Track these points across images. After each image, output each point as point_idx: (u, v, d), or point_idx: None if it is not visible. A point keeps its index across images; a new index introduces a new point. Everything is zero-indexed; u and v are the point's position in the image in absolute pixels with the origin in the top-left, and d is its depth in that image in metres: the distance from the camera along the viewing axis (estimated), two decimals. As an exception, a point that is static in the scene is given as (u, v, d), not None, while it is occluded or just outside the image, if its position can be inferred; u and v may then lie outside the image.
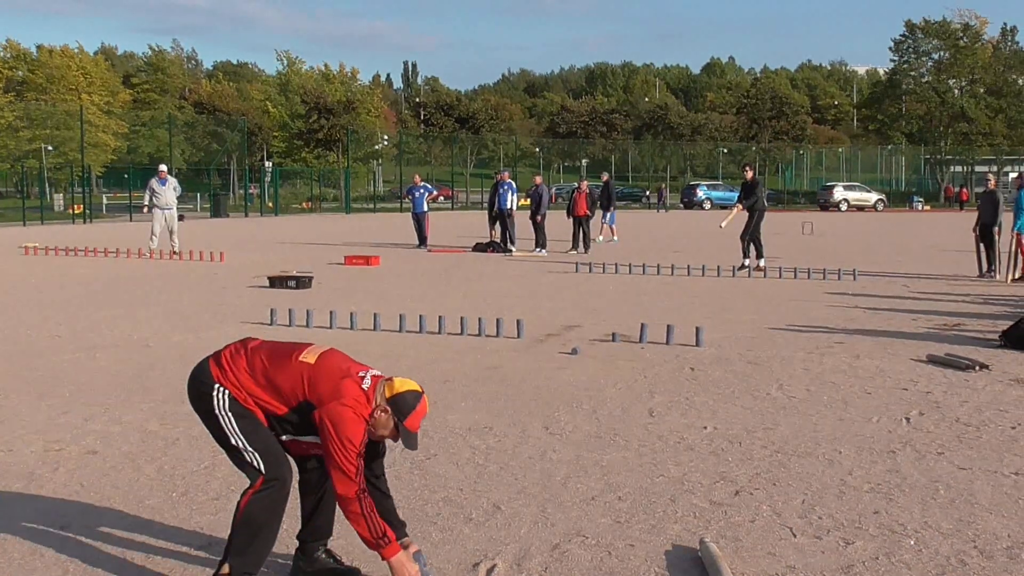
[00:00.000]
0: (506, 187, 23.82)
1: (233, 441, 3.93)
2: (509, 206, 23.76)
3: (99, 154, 64.52)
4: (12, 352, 9.64)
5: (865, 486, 5.41)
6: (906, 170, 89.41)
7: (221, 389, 3.95)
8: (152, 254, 21.65)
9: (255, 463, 3.94)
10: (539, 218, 23.18)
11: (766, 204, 18.62)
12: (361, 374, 3.93)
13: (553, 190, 58.58)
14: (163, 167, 23.26)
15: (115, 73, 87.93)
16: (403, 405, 3.88)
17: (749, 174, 18.92)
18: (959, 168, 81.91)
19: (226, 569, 3.96)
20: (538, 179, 25.25)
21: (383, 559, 3.91)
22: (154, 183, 22.43)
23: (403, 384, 3.94)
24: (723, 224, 19.52)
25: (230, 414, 3.93)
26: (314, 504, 4.18)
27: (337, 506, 4.00)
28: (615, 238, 27.38)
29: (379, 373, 4.00)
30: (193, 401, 4.06)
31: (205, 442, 6.32)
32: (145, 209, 22.42)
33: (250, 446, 3.93)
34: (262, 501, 3.92)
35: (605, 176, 28.21)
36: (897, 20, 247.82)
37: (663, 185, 71.14)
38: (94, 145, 62.68)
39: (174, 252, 21.79)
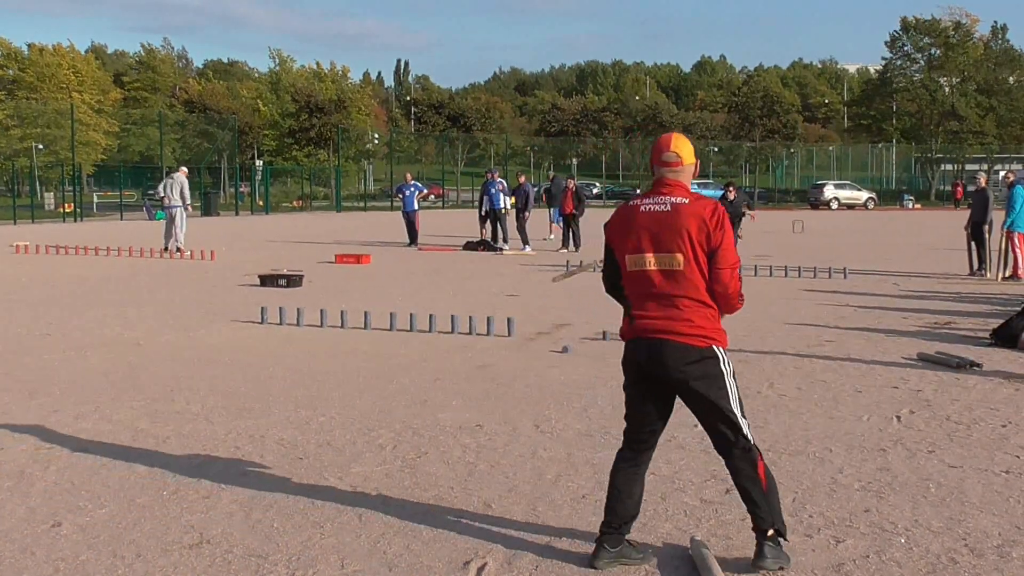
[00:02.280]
0: (496, 186, 24.00)
1: (735, 409, 4.09)
2: (502, 205, 23.93)
3: (90, 153, 64.22)
4: (2, 351, 9.61)
5: (856, 484, 5.42)
6: (896, 168, 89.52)
7: (719, 351, 4.07)
8: (183, 252, 21.63)
9: (746, 431, 4.11)
10: (526, 215, 23.87)
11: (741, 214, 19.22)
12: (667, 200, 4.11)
13: (541, 188, 58.53)
14: (184, 168, 23.76)
15: (106, 72, 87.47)
16: (686, 147, 4.20)
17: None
18: (950, 166, 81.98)
19: (771, 532, 4.13)
20: (522, 178, 25.81)
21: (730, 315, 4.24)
22: (186, 181, 22.61)
23: (678, 143, 4.18)
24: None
25: (734, 379, 4.10)
26: (638, 490, 4.27)
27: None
28: (551, 236, 27.20)
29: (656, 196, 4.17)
30: (682, 375, 4.06)
31: (196, 440, 6.32)
32: (189, 207, 22.61)
33: (744, 413, 4.15)
34: (767, 467, 4.18)
35: (552, 174, 28.40)
36: (887, 19, 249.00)
37: None
38: (85, 144, 62.35)
39: (165, 249, 21.79)
